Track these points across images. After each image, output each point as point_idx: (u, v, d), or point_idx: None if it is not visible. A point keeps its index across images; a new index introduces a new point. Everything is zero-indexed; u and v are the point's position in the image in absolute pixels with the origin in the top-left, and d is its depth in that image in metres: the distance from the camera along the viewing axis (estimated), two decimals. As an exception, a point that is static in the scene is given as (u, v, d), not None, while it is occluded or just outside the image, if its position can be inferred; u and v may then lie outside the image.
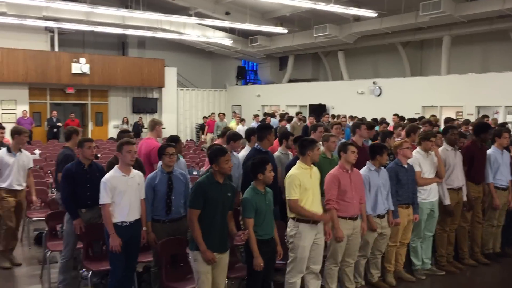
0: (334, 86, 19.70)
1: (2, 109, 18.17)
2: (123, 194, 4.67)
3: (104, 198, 4.64)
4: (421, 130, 6.75)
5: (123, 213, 4.68)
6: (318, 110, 18.21)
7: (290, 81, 22.58)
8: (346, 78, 19.91)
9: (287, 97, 21.25)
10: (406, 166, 5.71)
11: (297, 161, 4.95)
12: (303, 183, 4.70)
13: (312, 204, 4.75)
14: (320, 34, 17.61)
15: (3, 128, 7.60)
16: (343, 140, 6.67)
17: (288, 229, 4.85)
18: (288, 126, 13.29)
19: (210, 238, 4.21)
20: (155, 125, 6.72)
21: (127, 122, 19.90)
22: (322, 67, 22.77)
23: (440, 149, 6.17)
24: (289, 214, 4.83)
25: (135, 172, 4.87)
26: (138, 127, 19.24)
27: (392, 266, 5.82)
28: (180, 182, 5.10)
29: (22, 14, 16.58)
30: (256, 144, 5.99)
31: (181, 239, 4.98)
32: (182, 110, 23.29)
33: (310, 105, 19.49)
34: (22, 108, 18.27)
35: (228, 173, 4.35)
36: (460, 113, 14.72)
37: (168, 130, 16.30)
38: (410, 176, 5.71)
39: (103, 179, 4.70)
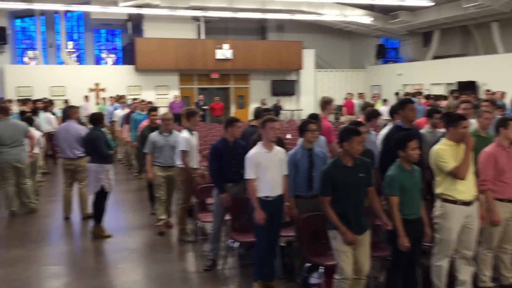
0: (487, 61, 17.91)
1: (157, 94, 19.94)
2: (266, 170, 4.82)
3: (249, 173, 4.84)
4: None
5: (267, 188, 4.84)
6: (467, 87, 16.79)
7: (435, 57, 21.12)
8: (501, 51, 18.00)
9: (432, 75, 19.92)
10: None
11: (443, 138, 4.61)
12: (451, 159, 4.37)
13: (465, 182, 4.38)
14: (471, 5, 16.14)
15: (156, 110, 8.27)
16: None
17: (434, 209, 4.56)
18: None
19: (347, 220, 4.14)
20: (326, 104, 6.67)
21: (266, 104, 20.46)
22: (472, 41, 20.85)
23: None
24: (436, 191, 4.53)
25: (277, 148, 4.99)
26: (276, 109, 19.71)
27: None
28: (320, 159, 5.09)
29: (173, 5, 17.94)
30: (398, 121, 5.73)
31: (323, 216, 4.96)
32: (320, 92, 23.22)
33: (459, 83, 18.05)
34: (173, 93, 19.88)
35: (356, 155, 4.19)
36: None
37: (306, 113, 16.41)
38: None
39: (247, 155, 4.90)
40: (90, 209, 7.70)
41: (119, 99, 14.78)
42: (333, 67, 24.25)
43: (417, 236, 4.33)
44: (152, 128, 7.53)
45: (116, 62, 22.60)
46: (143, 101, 11.02)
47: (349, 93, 17.52)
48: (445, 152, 4.40)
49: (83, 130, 7.58)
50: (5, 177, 7.88)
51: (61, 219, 7.82)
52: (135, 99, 13.75)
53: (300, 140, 5.22)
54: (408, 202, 4.26)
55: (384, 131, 6.15)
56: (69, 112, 7.84)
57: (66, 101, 17.05)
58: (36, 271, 5.69)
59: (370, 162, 4.42)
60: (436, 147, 4.51)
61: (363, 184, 4.23)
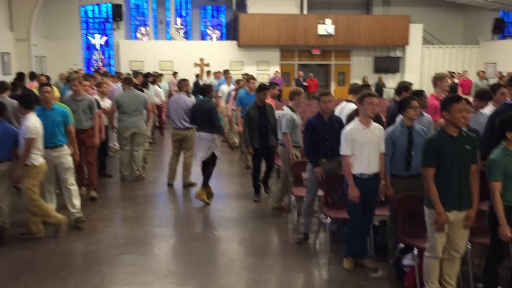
0: None
1: (258, 70, 20.24)
2: (363, 146, 4.73)
3: (344, 149, 4.77)
4: None
5: (362, 165, 4.75)
6: None
7: None
8: None
9: (558, 52, 17.98)
10: None
11: None
12: None
13: None
14: None
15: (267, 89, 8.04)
16: None
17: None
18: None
19: (447, 195, 3.95)
20: (437, 80, 6.35)
21: (367, 82, 19.90)
22: None
23: None
24: None
25: (375, 125, 4.86)
26: (379, 87, 19.08)
27: None
28: (421, 137, 4.88)
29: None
30: (507, 99, 5.30)
31: (419, 196, 4.79)
32: (427, 69, 22.03)
33: None
34: (274, 69, 20.05)
35: (460, 124, 3.93)
36: None
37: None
38: None
39: (344, 131, 4.83)
40: (192, 178, 8.23)
41: (224, 74, 14.28)
42: (443, 43, 22.81)
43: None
44: (259, 107, 7.29)
45: (220, 38, 23.24)
46: (251, 78, 9.93)
47: (465, 71, 16.21)
48: None
49: (191, 102, 7.99)
50: (122, 143, 8.55)
51: (165, 186, 8.35)
52: (246, 75, 12.56)
53: (399, 117, 5.04)
54: (511, 188, 3.95)
55: (489, 109, 5.74)
56: (180, 85, 8.26)
57: (174, 74, 17.94)
58: (142, 230, 6.17)
59: (476, 138, 4.14)
60: None
61: (469, 158, 4.00)
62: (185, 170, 8.28)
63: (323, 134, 5.51)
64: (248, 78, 9.70)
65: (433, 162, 3.96)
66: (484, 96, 5.90)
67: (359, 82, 20.60)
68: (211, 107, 7.31)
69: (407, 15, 20.75)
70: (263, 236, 6.04)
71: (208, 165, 7.43)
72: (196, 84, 16.35)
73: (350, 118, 5.43)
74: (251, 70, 19.25)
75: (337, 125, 5.55)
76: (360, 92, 5.41)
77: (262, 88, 7.35)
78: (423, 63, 21.97)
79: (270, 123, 7.22)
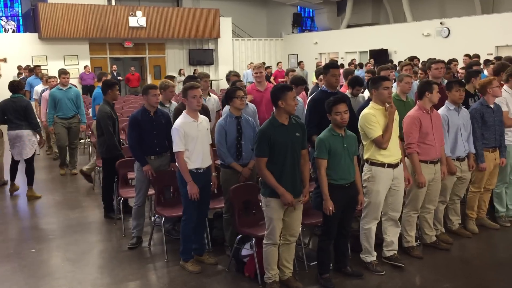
0: (397, 29, 18.67)
1: (66, 65, 18.57)
2: (196, 140, 4.55)
3: (178, 146, 4.51)
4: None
5: (198, 159, 4.58)
6: (379, 55, 17.40)
7: (349, 26, 21.65)
8: (410, 20, 18.80)
9: (346, 44, 20.44)
10: (492, 106, 5.23)
11: (370, 102, 4.63)
12: (380, 122, 4.39)
13: (390, 146, 4.43)
14: (382, -27, 16.55)
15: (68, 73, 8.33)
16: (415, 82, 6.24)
17: (362, 173, 4.58)
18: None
19: (282, 182, 4.01)
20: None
21: (184, 74, 19.91)
22: (383, 10, 21.61)
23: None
24: (364, 156, 4.56)
25: (202, 117, 4.73)
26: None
27: (474, 213, 5.49)
28: (249, 127, 4.93)
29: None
30: (322, 86, 5.70)
31: (253, 185, 4.85)
32: (238, 61, 23.00)
33: (371, 51, 18.66)
34: (84, 64, 18.65)
35: (293, 112, 4.05)
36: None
37: (224, 83, 16.15)
38: (497, 117, 5.25)
39: (174, 126, 4.57)
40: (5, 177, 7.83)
41: (33, 70, 12.15)
42: (251, 36, 24.07)
43: (348, 202, 4.31)
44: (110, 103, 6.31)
45: (17, 30, 20.73)
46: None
47: (280, 62, 17.31)
48: (372, 117, 4.40)
49: None
50: None
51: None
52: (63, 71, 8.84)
53: (227, 108, 5.01)
54: (336, 167, 4.22)
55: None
56: None
57: None
58: None
59: (304, 124, 4.30)
60: (364, 112, 4.50)
61: (299, 144, 4.11)
62: None
63: (150, 129, 5.17)
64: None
65: (266, 152, 3.99)
66: (296, 82, 6.30)
67: (176, 74, 20.57)
68: (27, 103, 7.20)
69: (217, 9, 21.30)
70: (90, 246, 5.47)
71: (29, 165, 7.33)
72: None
73: (177, 111, 5.20)
74: (57, 65, 17.52)
75: (164, 119, 5.28)
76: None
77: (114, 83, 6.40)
78: (235, 55, 22.87)
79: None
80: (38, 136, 7.47)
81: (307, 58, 20.93)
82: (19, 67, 15.61)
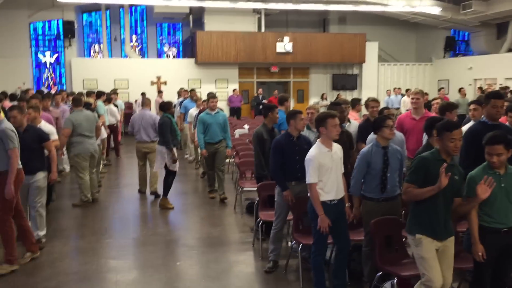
0: None
1: (217, 88, 19.90)
2: (330, 171, 4.43)
3: (312, 177, 4.40)
4: None
5: (332, 191, 4.45)
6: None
7: (510, 50, 19.73)
8: None
9: (506, 69, 18.61)
10: None
11: None
12: None
13: None
14: (554, -8, 14.84)
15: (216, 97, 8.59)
16: None
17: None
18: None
19: (433, 223, 3.71)
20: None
21: (326, 99, 19.96)
22: (552, 32, 19.30)
23: None
24: None
25: (335, 145, 4.59)
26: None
27: None
28: (396, 159, 4.67)
29: (234, -2, 17.78)
30: (482, 116, 5.19)
31: (396, 220, 4.57)
32: (382, 86, 22.36)
33: (537, 77, 16.74)
34: (232, 87, 19.76)
35: (455, 153, 3.72)
36: None
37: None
38: None
39: (308, 157, 4.47)
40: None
41: (190, 93, 12.57)
42: (397, 61, 23.27)
43: (505, 247, 3.81)
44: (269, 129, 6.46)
45: (177, 56, 22.81)
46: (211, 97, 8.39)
47: (442, 88, 16.82)
48: None
49: (156, 116, 8.78)
50: (83, 167, 7.92)
51: (122, 211, 7.83)
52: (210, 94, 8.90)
53: (371, 137, 4.81)
54: (490, 209, 3.76)
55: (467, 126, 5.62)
56: (146, 102, 9.12)
57: (143, 94, 17.01)
58: (96, 263, 5.63)
59: (463, 173, 3.92)
60: None
61: (455, 188, 3.76)
62: (152, 178, 8.75)
63: (293, 155, 5.19)
64: (207, 97, 8.76)
65: (419, 181, 3.71)
66: (447, 109, 5.84)
67: (318, 99, 20.72)
68: (162, 121, 7.90)
69: (363, 33, 21.04)
70: (229, 265, 5.63)
71: (168, 177, 7.98)
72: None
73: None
74: (210, 88, 18.89)
75: (306, 145, 5.26)
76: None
77: (273, 107, 6.53)
78: (379, 80, 22.29)
79: None
80: (171, 152, 7.81)
81: (459, 84, 19.52)
82: (180, 91, 16.19)
